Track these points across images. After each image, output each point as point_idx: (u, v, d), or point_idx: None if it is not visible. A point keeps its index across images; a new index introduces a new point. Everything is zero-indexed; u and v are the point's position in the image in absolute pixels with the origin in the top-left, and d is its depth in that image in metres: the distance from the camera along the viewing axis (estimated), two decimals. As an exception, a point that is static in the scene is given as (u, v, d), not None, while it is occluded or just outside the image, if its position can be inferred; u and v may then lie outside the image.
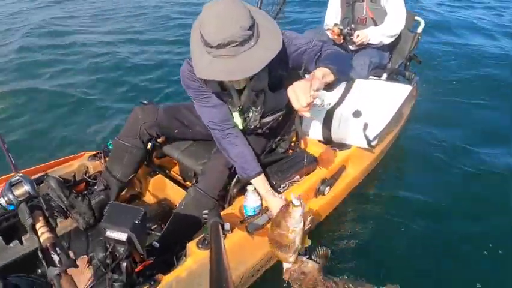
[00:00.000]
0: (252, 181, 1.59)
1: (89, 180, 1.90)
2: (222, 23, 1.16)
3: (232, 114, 1.59)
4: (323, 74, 1.20)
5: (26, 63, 4.59)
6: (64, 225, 1.80)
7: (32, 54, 4.85)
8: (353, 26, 2.60)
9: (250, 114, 1.60)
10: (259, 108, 1.57)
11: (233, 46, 1.18)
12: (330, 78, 1.23)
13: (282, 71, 1.47)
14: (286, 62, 1.43)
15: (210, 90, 1.51)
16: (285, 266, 1.35)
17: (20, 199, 1.14)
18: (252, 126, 1.66)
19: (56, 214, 1.65)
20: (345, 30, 2.57)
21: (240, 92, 1.51)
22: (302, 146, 2.07)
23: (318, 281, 1.34)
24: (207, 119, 1.60)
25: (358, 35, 2.56)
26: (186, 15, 6.47)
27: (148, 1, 7.54)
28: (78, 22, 6.00)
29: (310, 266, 1.34)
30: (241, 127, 1.63)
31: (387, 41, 2.63)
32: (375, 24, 2.63)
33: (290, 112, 1.77)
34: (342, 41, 2.66)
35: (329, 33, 2.66)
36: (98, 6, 7.08)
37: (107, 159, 1.92)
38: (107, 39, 5.36)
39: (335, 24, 2.60)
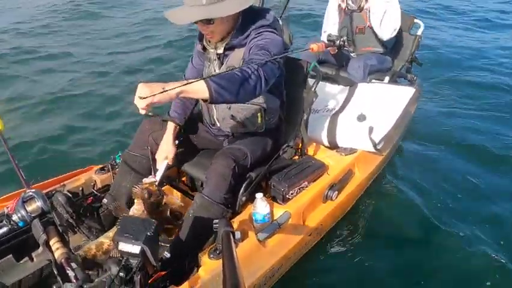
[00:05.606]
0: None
1: (97, 193, 1.90)
2: None
3: None
4: (191, 89, 1.22)
5: (32, 72, 4.55)
6: (73, 240, 1.79)
7: (39, 63, 4.79)
8: (345, 38, 2.50)
9: None
10: None
11: None
12: (201, 95, 1.26)
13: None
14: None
15: (200, 50, 1.73)
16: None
17: (33, 215, 1.14)
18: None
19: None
20: (338, 42, 2.32)
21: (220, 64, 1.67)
22: (308, 152, 2.07)
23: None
24: (186, 74, 1.87)
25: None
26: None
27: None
28: (85, 36, 5.96)
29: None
30: None
31: None
32: (374, 33, 2.62)
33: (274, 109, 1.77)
34: (336, 51, 2.63)
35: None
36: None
37: (114, 172, 1.92)
38: (113, 50, 5.32)
39: (329, 35, 2.50)
